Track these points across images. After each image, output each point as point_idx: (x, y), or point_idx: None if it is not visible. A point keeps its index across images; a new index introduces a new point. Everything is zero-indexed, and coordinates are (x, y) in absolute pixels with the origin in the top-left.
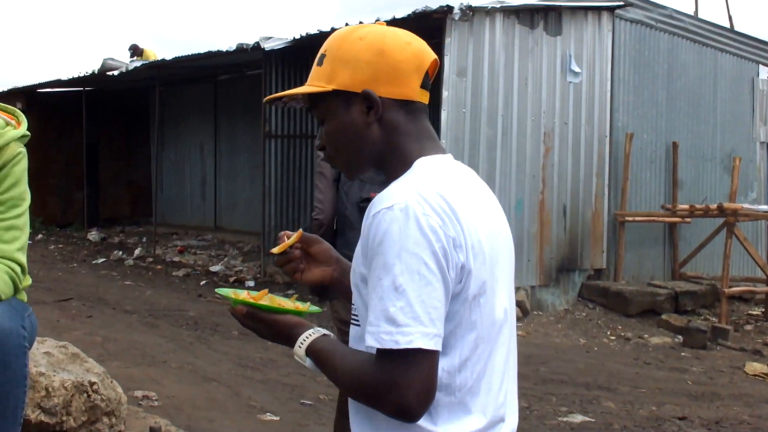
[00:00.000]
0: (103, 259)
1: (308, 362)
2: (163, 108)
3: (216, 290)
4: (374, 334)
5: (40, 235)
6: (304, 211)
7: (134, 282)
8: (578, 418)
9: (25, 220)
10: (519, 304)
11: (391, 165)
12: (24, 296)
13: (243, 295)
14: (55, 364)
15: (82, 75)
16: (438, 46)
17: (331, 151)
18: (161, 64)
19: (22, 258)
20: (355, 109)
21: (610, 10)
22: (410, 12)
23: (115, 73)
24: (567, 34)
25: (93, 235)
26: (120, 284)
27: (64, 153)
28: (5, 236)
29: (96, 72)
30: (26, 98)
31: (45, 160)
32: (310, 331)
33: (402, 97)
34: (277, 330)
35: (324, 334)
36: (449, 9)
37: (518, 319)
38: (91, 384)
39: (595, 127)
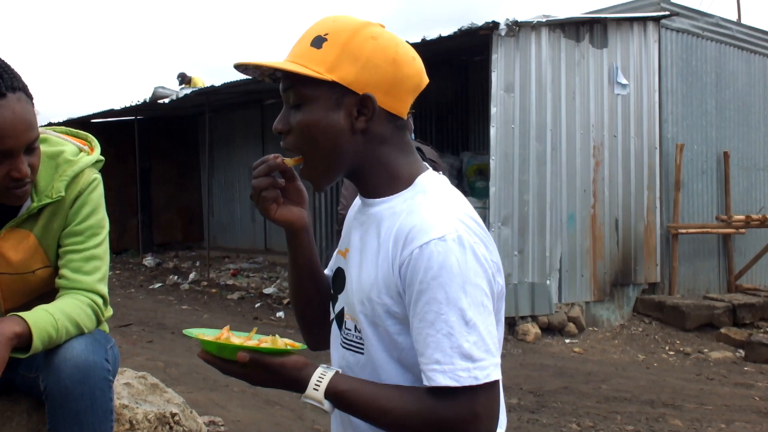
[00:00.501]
0: (159, 284)
1: (327, 405)
2: (212, 133)
3: (184, 332)
4: (448, 372)
5: None
6: None
7: (191, 306)
8: None
9: (105, 248)
10: (574, 321)
11: (376, 177)
12: (106, 327)
13: (210, 335)
14: (136, 395)
15: (134, 104)
16: (484, 63)
17: (300, 142)
18: (210, 91)
19: (104, 289)
20: (344, 108)
21: (656, 20)
22: (456, 29)
23: (166, 100)
24: (613, 46)
25: (148, 260)
26: (177, 308)
27: (118, 180)
28: (86, 267)
29: (147, 100)
30: (81, 128)
31: None
32: (320, 370)
33: (395, 111)
34: (284, 375)
35: (336, 372)
36: (495, 25)
37: (574, 335)
38: (173, 415)
39: (645, 138)
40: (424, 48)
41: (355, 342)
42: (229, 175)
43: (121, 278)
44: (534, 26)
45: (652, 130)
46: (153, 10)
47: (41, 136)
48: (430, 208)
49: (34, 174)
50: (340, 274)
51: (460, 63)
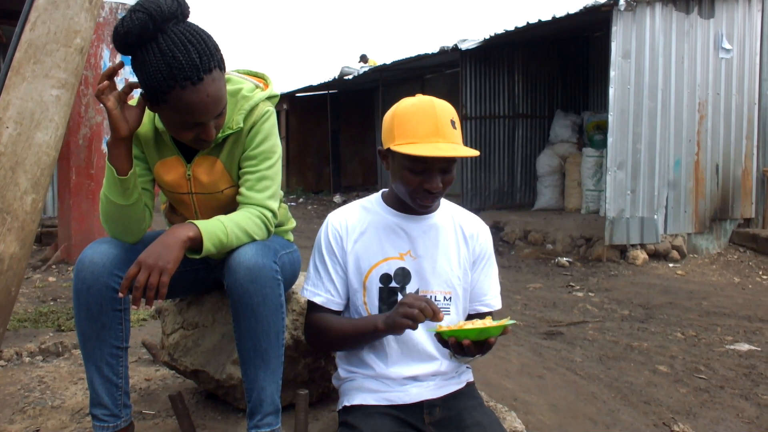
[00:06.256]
0: None
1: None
2: (383, 102)
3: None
4: (498, 297)
5: (300, 200)
6: (495, 179)
7: None
8: (744, 346)
9: (275, 170)
10: (677, 248)
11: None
12: (291, 237)
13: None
14: None
15: (326, 81)
16: (603, 39)
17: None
18: (383, 68)
19: (273, 204)
20: None
21: None
22: (582, 7)
23: (350, 77)
24: (719, 17)
25: (337, 198)
26: None
27: (317, 139)
28: (258, 186)
29: (336, 78)
30: (289, 101)
31: (304, 145)
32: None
33: None
34: None
35: None
36: (615, 1)
37: (676, 261)
38: None
39: (745, 96)
40: (554, 25)
41: (447, 306)
42: None
43: (317, 211)
44: (649, 1)
45: (753, 88)
46: (339, 7)
47: (226, 77)
48: (466, 211)
49: (218, 131)
50: (401, 272)
51: (581, 39)
